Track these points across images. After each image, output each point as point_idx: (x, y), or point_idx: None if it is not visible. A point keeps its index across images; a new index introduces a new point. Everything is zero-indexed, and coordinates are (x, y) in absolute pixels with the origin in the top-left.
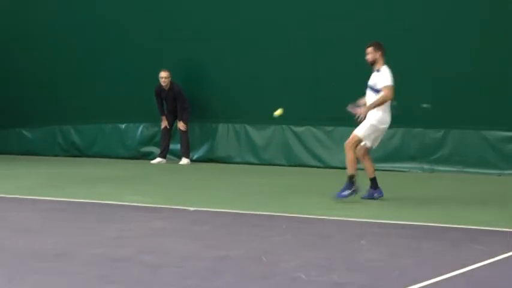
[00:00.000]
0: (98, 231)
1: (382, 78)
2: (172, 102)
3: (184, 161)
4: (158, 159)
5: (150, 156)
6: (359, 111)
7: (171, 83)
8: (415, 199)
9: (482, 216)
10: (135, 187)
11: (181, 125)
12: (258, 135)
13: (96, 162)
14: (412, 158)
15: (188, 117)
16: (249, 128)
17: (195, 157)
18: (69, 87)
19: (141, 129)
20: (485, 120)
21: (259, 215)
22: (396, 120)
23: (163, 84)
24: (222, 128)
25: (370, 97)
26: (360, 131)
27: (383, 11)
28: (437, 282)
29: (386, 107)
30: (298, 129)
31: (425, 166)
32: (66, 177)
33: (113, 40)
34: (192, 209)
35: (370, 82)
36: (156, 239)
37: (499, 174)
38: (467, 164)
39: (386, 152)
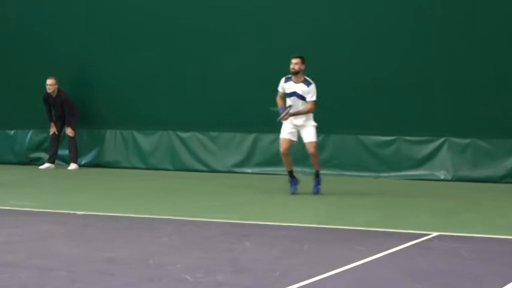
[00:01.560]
0: None
1: (312, 92)
2: (60, 109)
3: (73, 166)
4: (47, 165)
5: (39, 161)
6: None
7: (58, 90)
8: (296, 201)
9: (364, 217)
10: (23, 192)
11: (69, 131)
12: (145, 140)
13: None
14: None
15: (76, 123)
16: (136, 134)
17: (83, 162)
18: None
19: (30, 135)
20: (363, 125)
21: (146, 218)
22: (278, 126)
23: (49, 91)
24: (109, 133)
25: (296, 103)
26: (314, 137)
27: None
28: (321, 279)
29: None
30: (184, 134)
31: (307, 170)
32: None
33: (1, 44)
34: (80, 213)
35: (299, 91)
36: (44, 242)
37: (376, 177)
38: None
39: (268, 157)
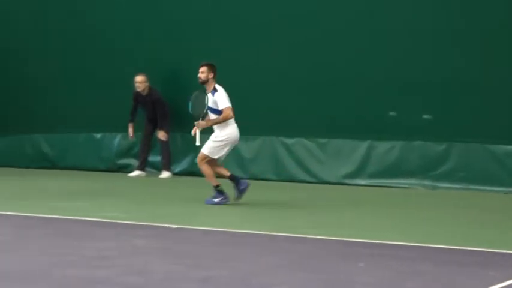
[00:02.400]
0: (74, 250)
1: (220, 99)
2: (151, 109)
3: (165, 174)
4: (137, 172)
5: (128, 168)
6: (200, 124)
7: (150, 88)
8: (415, 217)
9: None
10: (111, 202)
11: (161, 135)
12: (246, 147)
13: (70, 175)
14: (412, 174)
15: (169, 126)
16: None
17: (177, 170)
18: (40, 93)
19: (118, 140)
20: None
21: (248, 233)
22: (394, 132)
23: (138, 89)
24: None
25: (211, 117)
26: (204, 149)
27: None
28: None
29: (229, 122)
30: (289, 141)
31: (427, 182)
32: (35, 190)
33: (87, 45)
34: (174, 226)
35: (210, 104)
36: (136, 258)
37: (506, 192)
38: (472, 181)
39: (384, 167)
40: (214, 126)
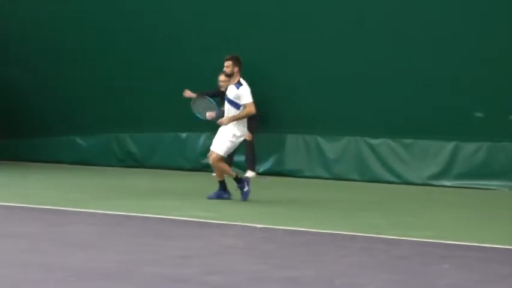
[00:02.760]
0: (159, 249)
1: (244, 94)
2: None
3: (250, 173)
4: None
5: (212, 168)
6: (224, 120)
7: None
8: (501, 219)
9: None
10: (196, 201)
11: (246, 135)
12: (330, 147)
13: (155, 174)
14: (499, 175)
15: (254, 126)
16: (320, 139)
17: (261, 170)
18: (127, 93)
19: (203, 139)
20: None
21: (330, 233)
22: (481, 133)
23: (222, 89)
24: (291, 138)
25: (229, 110)
26: (220, 150)
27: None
28: None
29: (244, 119)
30: (374, 141)
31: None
32: (123, 189)
33: (174, 45)
34: (259, 226)
35: (231, 96)
36: (222, 258)
37: None
38: None
39: (470, 168)
40: (230, 124)
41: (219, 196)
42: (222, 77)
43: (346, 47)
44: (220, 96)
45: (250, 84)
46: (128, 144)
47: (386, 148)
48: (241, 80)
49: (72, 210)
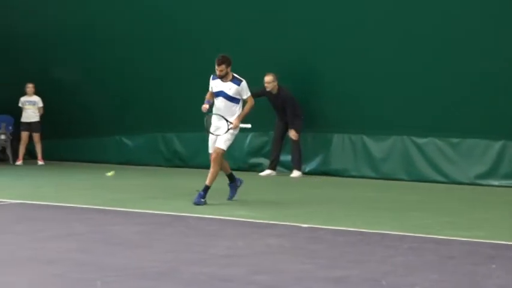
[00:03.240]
0: (205, 249)
1: (245, 89)
2: (281, 109)
3: (296, 173)
4: (268, 171)
5: (259, 167)
6: (236, 123)
7: (279, 87)
8: None
9: None
10: (241, 201)
11: (292, 134)
12: (376, 146)
13: (201, 174)
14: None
15: (300, 125)
16: (366, 139)
17: (307, 169)
18: (174, 93)
19: (249, 139)
20: None
21: (377, 233)
22: None
23: (268, 89)
24: (337, 138)
25: (227, 106)
26: (224, 145)
27: None
28: None
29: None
30: (421, 140)
31: None
32: (169, 189)
33: (216, 47)
34: (305, 225)
35: (231, 93)
36: (267, 257)
37: None
38: None
39: None
40: (230, 118)
41: (235, 188)
42: (267, 78)
43: (394, 47)
44: (266, 96)
45: (296, 83)
46: (174, 144)
47: (433, 147)
48: (236, 75)
49: (120, 210)
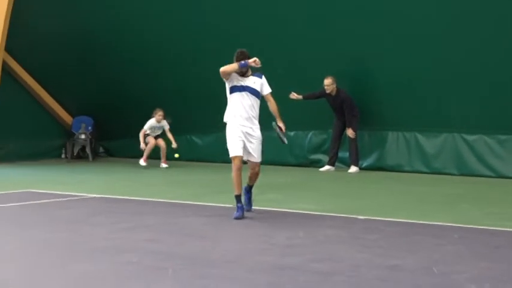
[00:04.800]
0: (267, 239)
1: (266, 82)
2: (340, 109)
3: (353, 169)
4: (327, 167)
5: (318, 163)
6: (282, 124)
7: (337, 89)
8: None
9: None
10: (303, 194)
11: (350, 132)
12: (429, 143)
13: (264, 170)
14: None
15: (357, 124)
16: (419, 136)
17: (364, 165)
18: None
19: (309, 137)
20: None
21: (428, 224)
22: None
23: (327, 91)
24: (392, 135)
25: (254, 103)
26: (260, 157)
27: None
28: None
29: None
30: (470, 137)
31: None
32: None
33: (282, 48)
34: (362, 217)
35: (256, 86)
36: (325, 247)
37: None
38: None
39: None
40: (257, 116)
41: (249, 199)
42: (327, 81)
43: (444, 47)
44: (325, 97)
45: (352, 83)
46: None
47: (482, 144)
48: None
49: (189, 204)
